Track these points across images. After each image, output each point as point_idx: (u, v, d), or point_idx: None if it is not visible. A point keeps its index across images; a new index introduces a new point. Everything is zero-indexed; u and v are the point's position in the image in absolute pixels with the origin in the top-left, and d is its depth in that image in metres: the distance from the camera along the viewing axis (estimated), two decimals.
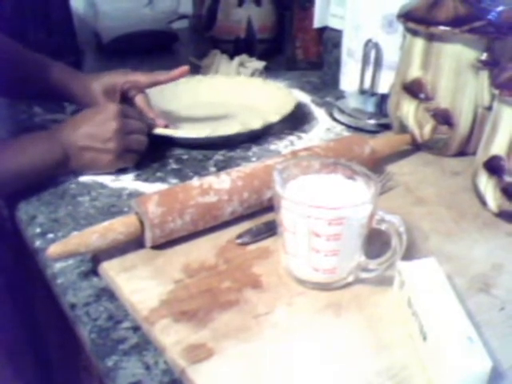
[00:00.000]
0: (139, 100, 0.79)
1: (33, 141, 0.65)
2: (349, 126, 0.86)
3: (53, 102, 0.88)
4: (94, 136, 0.65)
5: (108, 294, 0.51)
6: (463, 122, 0.70)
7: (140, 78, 0.78)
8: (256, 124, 0.76)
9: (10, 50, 0.76)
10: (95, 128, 0.66)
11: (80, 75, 0.80)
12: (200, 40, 1.26)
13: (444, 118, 0.71)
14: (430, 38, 0.68)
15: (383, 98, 0.82)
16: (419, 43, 0.70)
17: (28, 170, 0.63)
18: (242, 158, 0.75)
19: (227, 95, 0.92)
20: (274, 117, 0.79)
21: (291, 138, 0.82)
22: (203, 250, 0.55)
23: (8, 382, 0.73)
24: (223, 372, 0.42)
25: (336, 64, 0.94)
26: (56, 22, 0.98)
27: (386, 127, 0.82)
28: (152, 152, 0.74)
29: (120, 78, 0.78)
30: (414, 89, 0.72)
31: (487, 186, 0.62)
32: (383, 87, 0.81)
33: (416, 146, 0.75)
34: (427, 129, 0.72)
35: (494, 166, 0.61)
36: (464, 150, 0.74)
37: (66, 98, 0.80)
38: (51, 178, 0.67)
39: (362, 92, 0.84)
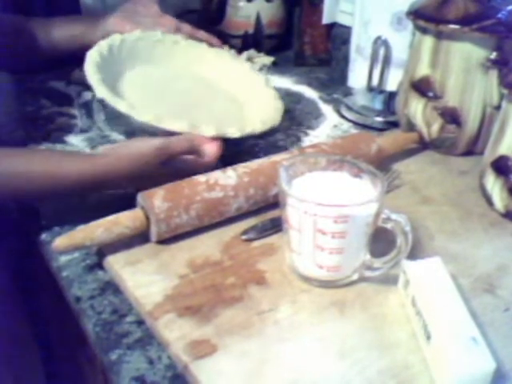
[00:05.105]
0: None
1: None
2: (356, 124, 0.85)
3: (60, 69, 0.88)
4: None
5: (113, 287, 0.52)
6: (471, 121, 0.70)
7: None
8: (233, 132, 0.68)
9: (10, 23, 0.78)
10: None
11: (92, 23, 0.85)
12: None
13: (452, 117, 0.70)
14: (440, 36, 0.68)
15: (391, 96, 0.82)
16: (428, 41, 0.69)
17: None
18: (248, 154, 0.75)
19: (206, 71, 0.82)
20: (258, 126, 0.71)
21: (298, 134, 0.82)
22: (208, 245, 0.55)
23: (13, 376, 0.74)
24: (226, 368, 0.42)
25: (344, 60, 0.94)
26: (64, 14, 0.97)
27: (393, 125, 0.81)
28: None
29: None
30: (422, 87, 0.71)
31: (494, 186, 0.61)
32: (391, 85, 0.81)
33: (423, 145, 0.75)
34: (435, 127, 0.72)
35: (501, 166, 0.61)
36: (471, 150, 0.73)
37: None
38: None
39: (370, 89, 0.84)
